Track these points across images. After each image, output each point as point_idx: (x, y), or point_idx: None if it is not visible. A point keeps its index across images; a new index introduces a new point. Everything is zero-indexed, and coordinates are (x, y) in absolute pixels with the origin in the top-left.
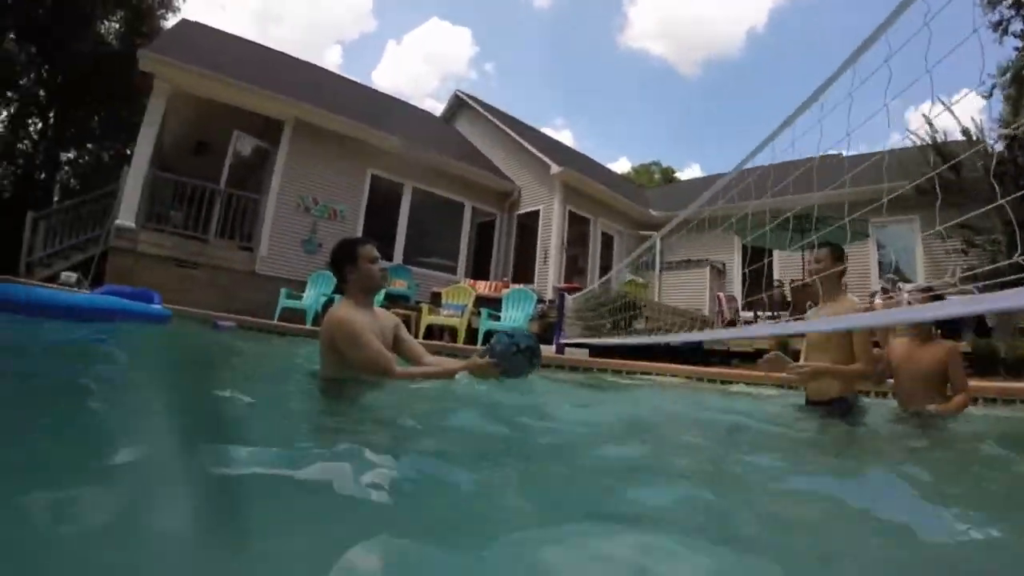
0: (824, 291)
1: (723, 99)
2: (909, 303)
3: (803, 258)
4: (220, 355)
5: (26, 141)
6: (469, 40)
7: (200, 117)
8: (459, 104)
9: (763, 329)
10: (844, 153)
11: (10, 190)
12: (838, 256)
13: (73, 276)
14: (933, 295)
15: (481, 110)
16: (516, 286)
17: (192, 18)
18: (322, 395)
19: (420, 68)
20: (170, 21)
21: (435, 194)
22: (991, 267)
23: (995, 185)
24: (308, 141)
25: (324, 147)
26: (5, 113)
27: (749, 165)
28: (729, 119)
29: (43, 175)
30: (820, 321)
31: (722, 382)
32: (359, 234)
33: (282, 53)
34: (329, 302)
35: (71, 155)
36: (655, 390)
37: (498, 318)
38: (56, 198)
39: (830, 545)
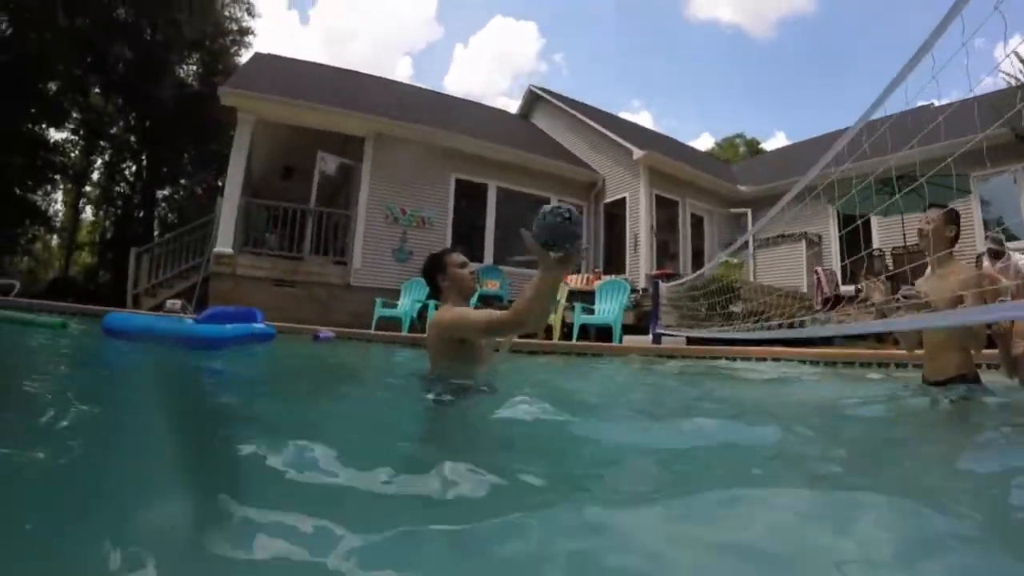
0: (934, 251)
1: (803, 60)
2: None
3: (902, 222)
4: (321, 365)
5: (123, 184)
6: (535, 33)
7: (284, 143)
8: (534, 99)
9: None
10: (936, 103)
11: (112, 230)
12: (951, 219)
13: (178, 303)
14: None
15: (556, 102)
16: (608, 277)
17: (264, 51)
18: (430, 391)
19: (490, 68)
20: (243, 57)
21: (520, 191)
22: None
23: None
24: (390, 153)
25: (406, 157)
26: (100, 161)
27: (838, 127)
28: (812, 80)
29: (141, 213)
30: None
31: (826, 363)
32: (448, 239)
33: (355, 72)
34: (424, 308)
35: (166, 192)
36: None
37: (592, 311)
38: (156, 232)
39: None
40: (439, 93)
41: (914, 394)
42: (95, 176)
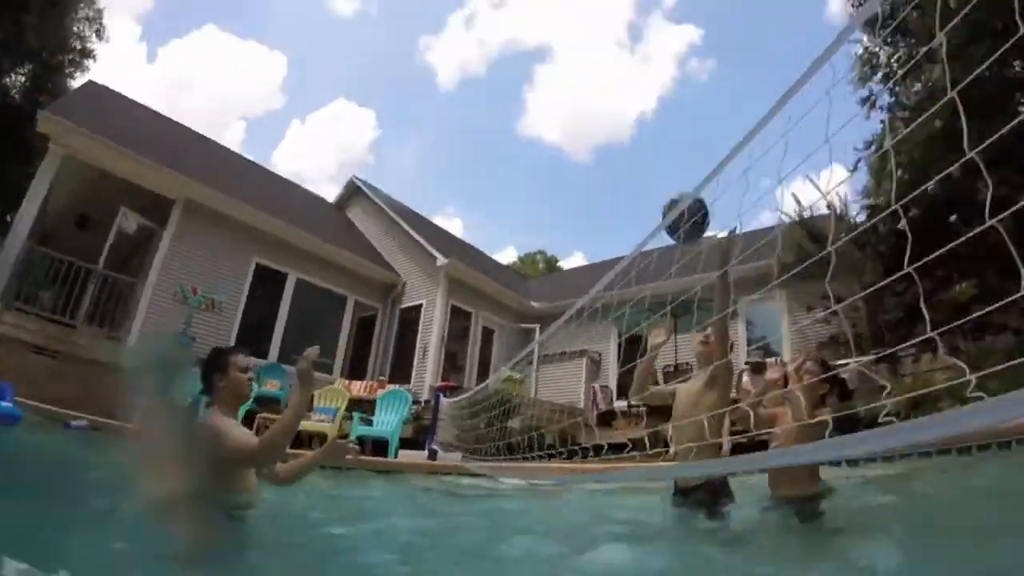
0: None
1: (612, 186)
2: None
3: (675, 342)
4: (62, 462)
5: None
6: (373, 123)
7: (89, 188)
8: (354, 190)
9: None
10: (719, 234)
11: None
12: (723, 337)
13: None
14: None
15: (373, 197)
16: (392, 386)
17: (101, 79)
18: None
19: (323, 149)
20: (78, 80)
21: (319, 286)
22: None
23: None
24: (197, 223)
25: (212, 230)
26: None
27: (632, 252)
28: (615, 206)
29: None
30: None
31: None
32: (236, 327)
33: (183, 126)
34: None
35: None
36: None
37: (371, 422)
38: None
39: None
40: (262, 167)
41: (664, 505)
42: None
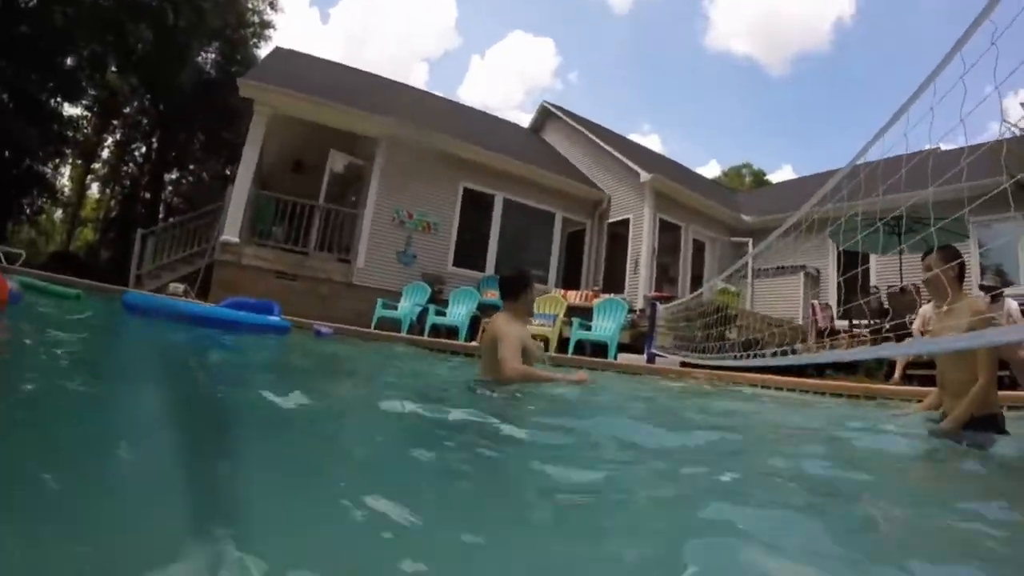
0: (942, 296)
1: (814, 96)
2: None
3: (900, 262)
4: (333, 359)
5: (131, 164)
6: (552, 51)
7: (297, 138)
8: (546, 115)
9: (865, 352)
10: (941, 147)
11: (116, 209)
12: (948, 257)
13: (181, 287)
14: None
15: (568, 120)
16: (607, 295)
17: (283, 45)
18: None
19: (505, 81)
20: (262, 49)
21: (526, 204)
22: None
23: None
24: (401, 157)
25: (418, 162)
26: (111, 140)
27: (844, 165)
28: (820, 117)
29: (147, 195)
30: (940, 340)
31: (823, 394)
32: (452, 245)
33: (371, 74)
34: (423, 312)
35: (173, 176)
36: (755, 402)
37: (589, 327)
38: (161, 215)
39: None
40: (452, 101)
41: (922, 434)
42: (104, 154)
